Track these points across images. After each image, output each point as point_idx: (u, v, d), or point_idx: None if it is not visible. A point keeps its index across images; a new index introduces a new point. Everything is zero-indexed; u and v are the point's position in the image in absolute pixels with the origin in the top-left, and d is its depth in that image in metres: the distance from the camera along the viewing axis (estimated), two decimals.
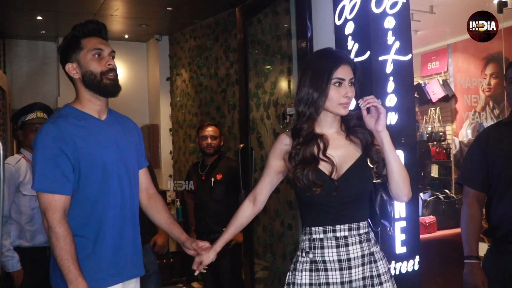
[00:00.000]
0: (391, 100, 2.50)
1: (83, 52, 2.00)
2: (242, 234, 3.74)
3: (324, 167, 1.85)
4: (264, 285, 4.13)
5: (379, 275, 1.86)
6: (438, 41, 6.08)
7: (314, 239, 1.88)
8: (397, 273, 2.47)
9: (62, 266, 1.84)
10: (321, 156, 1.85)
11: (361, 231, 1.87)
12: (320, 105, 1.83)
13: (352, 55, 2.59)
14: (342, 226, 1.85)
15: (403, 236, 2.49)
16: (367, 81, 2.48)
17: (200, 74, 5.88)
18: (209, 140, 3.95)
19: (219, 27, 5.46)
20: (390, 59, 2.50)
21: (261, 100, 4.20)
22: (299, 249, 1.95)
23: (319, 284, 1.84)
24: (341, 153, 1.89)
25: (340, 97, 1.82)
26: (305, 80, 1.86)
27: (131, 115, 4.11)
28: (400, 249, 2.49)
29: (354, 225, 1.86)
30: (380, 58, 2.48)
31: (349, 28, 2.63)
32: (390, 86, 2.50)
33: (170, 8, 5.62)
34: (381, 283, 1.85)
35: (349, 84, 1.84)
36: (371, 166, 1.88)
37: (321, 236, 1.86)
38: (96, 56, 2.00)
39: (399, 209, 2.49)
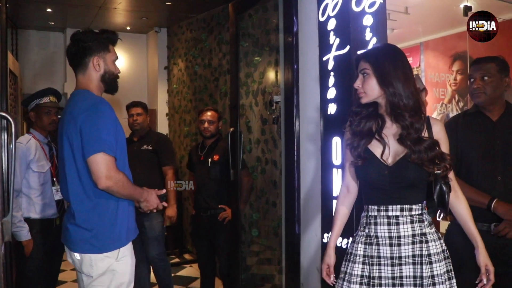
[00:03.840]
0: None
1: (109, 55, 2.24)
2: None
3: (376, 146, 1.86)
4: (249, 257, 4.16)
5: (429, 255, 1.80)
6: (412, 39, 6.07)
7: (369, 216, 1.89)
8: None
9: (134, 194, 2.17)
10: (376, 135, 1.86)
11: (413, 213, 1.83)
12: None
13: (333, 49, 2.59)
14: (394, 207, 1.84)
15: None
16: (347, 72, 2.50)
17: (195, 64, 5.83)
18: (206, 124, 3.89)
19: (213, 21, 5.40)
20: None
21: (250, 88, 4.19)
22: (360, 224, 1.95)
23: (371, 257, 1.85)
24: (396, 142, 1.85)
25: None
26: None
27: (132, 100, 4.10)
28: None
29: (406, 207, 1.83)
30: (359, 52, 2.44)
31: (331, 24, 2.62)
32: None
33: (169, 3, 5.55)
34: (430, 262, 1.79)
35: (364, 75, 1.87)
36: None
37: (375, 214, 1.87)
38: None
39: None
